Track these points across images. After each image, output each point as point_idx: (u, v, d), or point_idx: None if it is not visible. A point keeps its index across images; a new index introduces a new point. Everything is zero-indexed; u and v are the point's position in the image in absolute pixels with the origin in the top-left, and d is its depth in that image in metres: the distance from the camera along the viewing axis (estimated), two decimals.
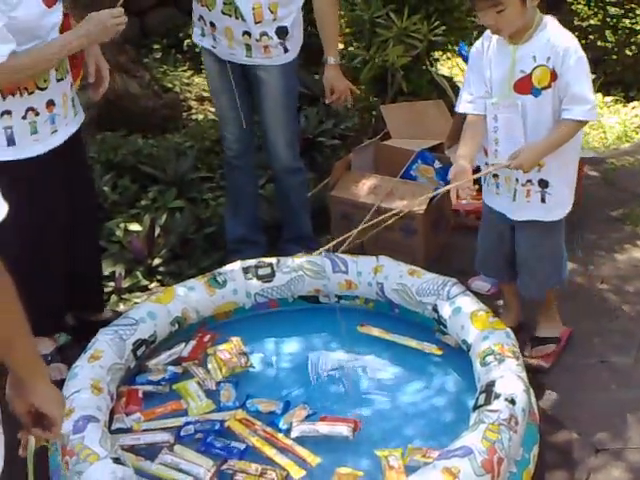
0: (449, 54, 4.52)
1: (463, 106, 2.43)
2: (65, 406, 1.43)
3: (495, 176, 2.46)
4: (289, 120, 2.95)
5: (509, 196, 2.44)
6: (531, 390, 2.21)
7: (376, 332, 2.52)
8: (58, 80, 2.30)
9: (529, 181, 2.38)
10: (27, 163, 2.27)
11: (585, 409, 2.38)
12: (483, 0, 2.22)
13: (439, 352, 2.42)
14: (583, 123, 2.33)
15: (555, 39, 2.27)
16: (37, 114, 2.26)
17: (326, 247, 2.38)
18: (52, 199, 2.38)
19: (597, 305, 2.91)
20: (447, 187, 2.37)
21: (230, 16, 2.71)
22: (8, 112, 2.22)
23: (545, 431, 2.24)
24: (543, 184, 2.38)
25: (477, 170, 3.15)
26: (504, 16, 2.21)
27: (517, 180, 2.40)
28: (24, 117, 2.24)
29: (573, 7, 5.04)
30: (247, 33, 2.74)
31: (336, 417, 2.16)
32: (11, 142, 2.24)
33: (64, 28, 2.37)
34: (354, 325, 2.52)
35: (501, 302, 2.83)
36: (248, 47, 2.78)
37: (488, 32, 2.35)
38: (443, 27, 3.89)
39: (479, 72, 2.39)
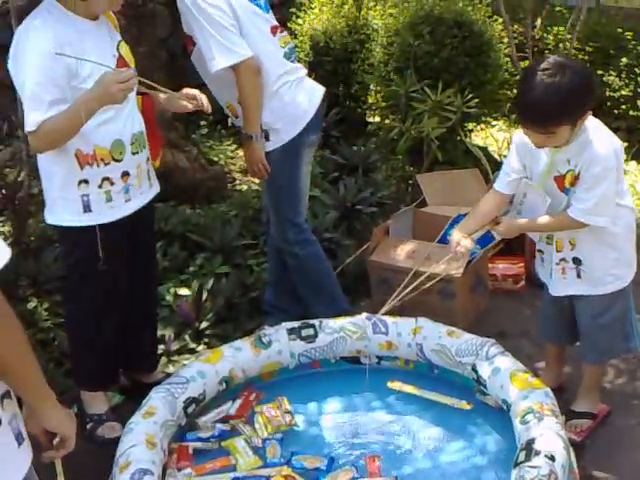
0: (483, 125, 4.67)
1: (497, 184, 2.55)
2: (75, 422, 1.49)
3: (540, 251, 2.57)
4: (278, 202, 3.01)
5: (547, 273, 2.55)
6: (571, 449, 2.22)
7: (406, 388, 2.57)
8: (133, 153, 2.44)
9: (563, 259, 2.46)
10: (100, 227, 2.40)
11: (625, 469, 2.40)
12: (536, 126, 2.24)
13: (468, 407, 2.46)
14: (577, 222, 2.32)
15: (588, 146, 2.27)
16: (112, 184, 2.40)
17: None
18: (118, 260, 2.49)
19: (634, 366, 2.92)
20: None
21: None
22: (85, 181, 2.36)
23: None
24: (577, 261, 2.45)
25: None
26: (553, 138, 2.26)
27: (551, 260, 2.49)
28: (100, 186, 2.38)
29: (604, 79, 5.18)
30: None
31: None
32: (87, 209, 2.39)
33: (145, 107, 2.50)
34: (385, 382, 2.59)
35: (540, 364, 2.87)
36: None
37: None
38: (476, 100, 4.04)
39: (519, 157, 2.46)
